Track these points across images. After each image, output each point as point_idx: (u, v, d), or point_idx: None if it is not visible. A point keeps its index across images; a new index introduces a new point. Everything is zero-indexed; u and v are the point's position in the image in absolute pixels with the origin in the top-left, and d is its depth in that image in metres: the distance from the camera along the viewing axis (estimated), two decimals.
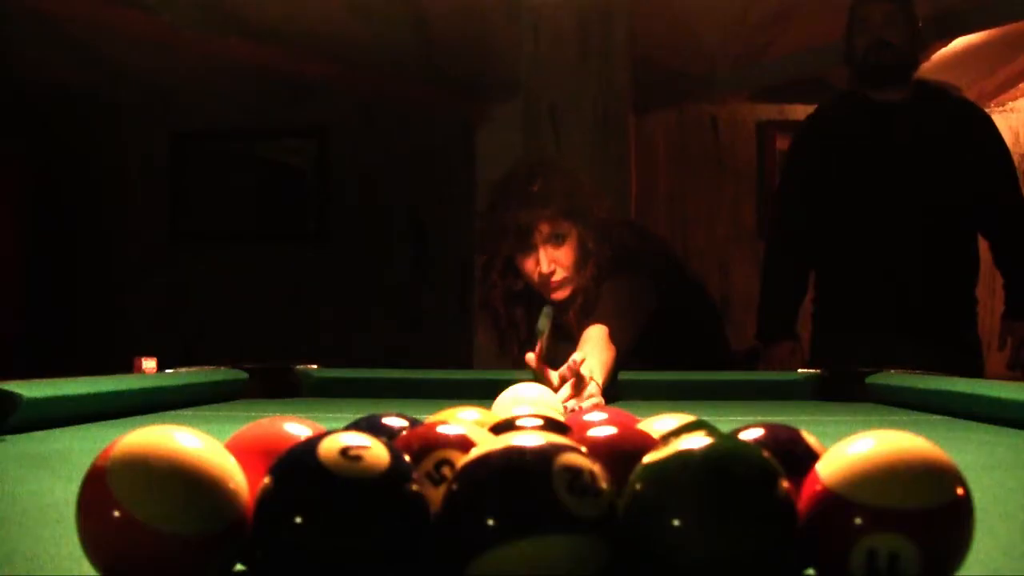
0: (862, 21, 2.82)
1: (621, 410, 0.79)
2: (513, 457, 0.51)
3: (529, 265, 2.32)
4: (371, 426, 0.73)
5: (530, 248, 2.30)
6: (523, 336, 2.40)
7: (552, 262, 2.29)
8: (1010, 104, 4.59)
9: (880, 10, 2.80)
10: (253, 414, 1.70)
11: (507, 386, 2.26)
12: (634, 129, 3.72)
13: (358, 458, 0.51)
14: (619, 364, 2.07)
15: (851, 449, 0.52)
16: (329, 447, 0.52)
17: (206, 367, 2.13)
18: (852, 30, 2.86)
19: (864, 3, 2.83)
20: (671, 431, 0.61)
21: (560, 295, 2.32)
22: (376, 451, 0.52)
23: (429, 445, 0.62)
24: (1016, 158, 3.17)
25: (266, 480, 0.52)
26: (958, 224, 2.85)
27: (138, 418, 1.55)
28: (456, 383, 2.25)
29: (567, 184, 2.36)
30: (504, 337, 2.48)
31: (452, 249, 4.89)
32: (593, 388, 1.82)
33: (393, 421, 0.74)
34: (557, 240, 2.29)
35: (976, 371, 2.76)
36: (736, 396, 2.16)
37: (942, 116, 2.88)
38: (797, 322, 2.97)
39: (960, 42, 3.93)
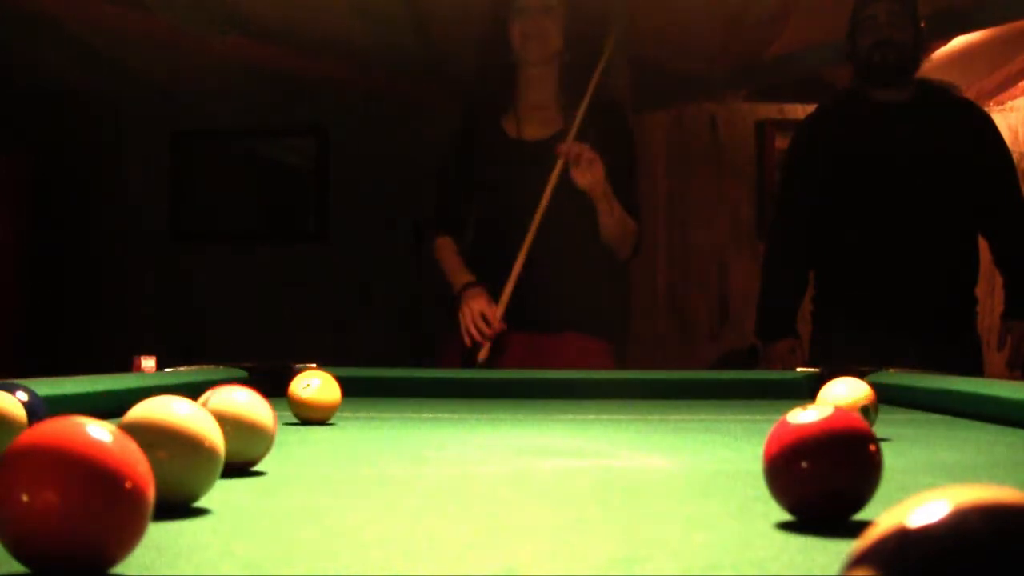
0: (866, 20, 2.82)
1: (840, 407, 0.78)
2: None
3: (515, 30, 2.80)
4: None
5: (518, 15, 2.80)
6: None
7: (539, 30, 2.79)
8: (1009, 103, 4.59)
9: (885, 9, 2.80)
10: None
11: (507, 385, 2.26)
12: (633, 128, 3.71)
13: None
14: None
15: None
16: None
17: (206, 366, 2.13)
18: (856, 29, 2.86)
19: (869, 2, 2.83)
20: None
21: (538, 57, 2.80)
22: None
23: None
24: (1016, 157, 3.17)
25: None
26: (958, 223, 2.85)
27: None
28: (456, 383, 2.26)
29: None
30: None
31: None
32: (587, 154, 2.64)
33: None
34: (546, 11, 2.79)
35: (975, 370, 2.77)
36: (735, 395, 2.16)
37: (943, 116, 2.89)
38: (797, 320, 2.97)
39: (960, 41, 3.93)
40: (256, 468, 1.07)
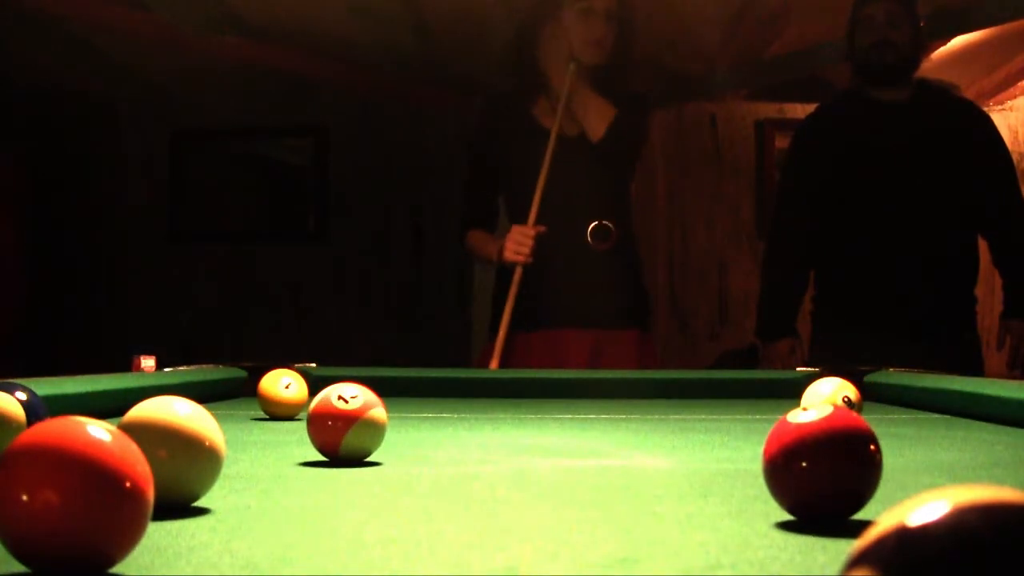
0: (865, 20, 2.82)
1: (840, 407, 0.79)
2: None
3: (578, 32, 2.83)
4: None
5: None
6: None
7: (602, 35, 2.84)
8: (1009, 103, 4.59)
9: (884, 9, 2.80)
10: (252, 412, 1.70)
11: (507, 385, 2.26)
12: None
13: None
14: None
15: None
16: None
17: (205, 365, 2.14)
18: (855, 29, 2.86)
19: (868, 2, 2.83)
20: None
21: (596, 61, 2.84)
22: None
23: None
24: (1015, 157, 3.17)
25: None
26: (957, 223, 2.85)
27: None
28: (456, 383, 2.26)
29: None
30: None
31: (451, 249, 4.88)
32: None
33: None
34: (608, 17, 2.85)
35: (975, 370, 2.77)
36: (735, 395, 2.16)
37: (942, 116, 2.89)
38: (797, 320, 2.97)
39: (960, 41, 3.93)
40: (256, 468, 1.07)
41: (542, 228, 2.76)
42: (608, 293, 2.85)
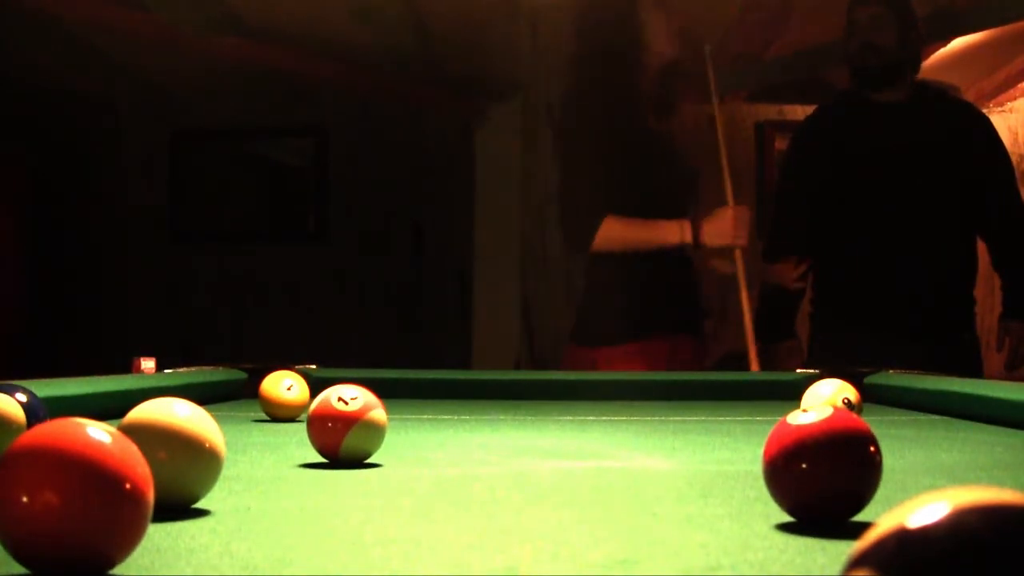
0: (851, 25, 2.83)
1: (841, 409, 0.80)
2: None
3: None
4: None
5: None
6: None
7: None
8: (1009, 104, 4.58)
9: (866, 13, 2.81)
10: (253, 414, 1.70)
11: (507, 385, 2.26)
12: None
13: None
14: None
15: None
16: None
17: (205, 367, 2.14)
18: (846, 33, 2.87)
19: (853, 7, 2.85)
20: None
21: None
22: None
23: None
24: (1015, 158, 3.17)
25: None
26: (956, 225, 2.85)
27: None
28: (455, 383, 2.26)
29: None
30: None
31: (451, 249, 4.88)
32: None
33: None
34: None
35: (974, 371, 2.77)
36: (735, 395, 2.16)
37: (941, 117, 2.89)
38: (796, 322, 2.98)
39: (959, 42, 3.93)
40: (256, 469, 1.07)
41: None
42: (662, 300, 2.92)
